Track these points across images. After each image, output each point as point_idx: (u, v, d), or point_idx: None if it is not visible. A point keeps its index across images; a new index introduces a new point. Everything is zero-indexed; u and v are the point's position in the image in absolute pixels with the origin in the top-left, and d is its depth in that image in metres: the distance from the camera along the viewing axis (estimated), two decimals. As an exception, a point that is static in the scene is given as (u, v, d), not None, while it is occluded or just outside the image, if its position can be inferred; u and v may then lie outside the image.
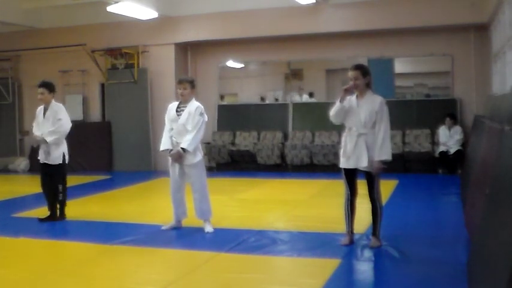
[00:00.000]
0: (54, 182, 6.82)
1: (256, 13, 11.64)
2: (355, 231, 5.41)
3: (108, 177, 11.59)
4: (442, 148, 10.66)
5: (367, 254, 5.02)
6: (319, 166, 11.33)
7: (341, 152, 5.34)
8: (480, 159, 5.89)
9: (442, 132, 10.76)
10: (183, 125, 5.99)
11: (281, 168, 11.70)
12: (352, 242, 5.33)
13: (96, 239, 5.81)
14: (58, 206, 6.87)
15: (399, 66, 11.97)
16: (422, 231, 6.06)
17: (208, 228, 6.06)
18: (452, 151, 10.54)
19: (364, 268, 4.81)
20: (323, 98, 12.38)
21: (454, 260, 4.74)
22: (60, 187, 6.85)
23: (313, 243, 5.43)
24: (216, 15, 11.90)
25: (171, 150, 6.04)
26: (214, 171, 11.40)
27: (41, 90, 6.84)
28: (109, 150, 12.69)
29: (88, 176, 11.27)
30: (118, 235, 5.96)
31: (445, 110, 11.02)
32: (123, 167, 12.42)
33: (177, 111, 6.08)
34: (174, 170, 6.12)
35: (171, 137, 6.06)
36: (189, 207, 6.24)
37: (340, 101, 5.21)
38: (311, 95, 12.75)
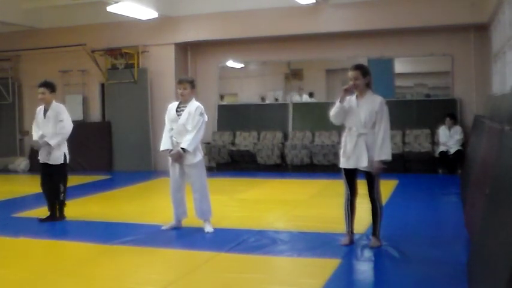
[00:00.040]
0: (55, 182, 6.82)
1: (256, 13, 11.64)
2: (355, 231, 5.41)
3: (108, 177, 11.59)
4: (442, 148, 10.66)
5: (367, 254, 5.02)
6: (319, 166, 11.33)
7: (341, 152, 5.34)
8: (480, 159, 5.89)
9: (442, 132, 10.76)
10: (183, 125, 5.99)
11: (281, 168, 11.70)
12: (352, 242, 5.33)
13: (96, 239, 5.81)
14: (58, 206, 6.87)
15: (399, 66, 11.97)
16: (422, 231, 6.06)
17: (208, 228, 6.06)
18: (452, 151, 10.54)
19: (364, 268, 4.81)
20: (323, 98, 12.38)
21: (454, 260, 4.74)
22: (62, 187, 6.85)
23: (313, 243, 5.43)
24: (216, 15, 11.90)
25: (171, 150, 6.04)
26: (214, 171, 11.40)
27: (42, 90, 6.83)
28: (109, 150, 12.69)
29: (88, 176, 11.27)
30: (118, 235, 5.96)
31: (445, 110, 11.02)
32: (123, 167, 12.42)
33: (177, 111, 6.08)
34: (174, 170, 6.12)
35: (171, 137, 6.06)
36: (189, 207, 6.24)
37: (340, 101, 5.21)
38: (311, 95, 12.75)
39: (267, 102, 12.98)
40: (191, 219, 6.22)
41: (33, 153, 7.30)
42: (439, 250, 5.17)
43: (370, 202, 5.25)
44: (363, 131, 5.17)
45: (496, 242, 3.18)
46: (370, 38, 11.57)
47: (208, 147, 11.81)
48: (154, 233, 6.08)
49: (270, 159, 11.72)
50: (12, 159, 13.12)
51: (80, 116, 12.71)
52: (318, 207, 7.55)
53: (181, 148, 5.94)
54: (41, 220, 6.78)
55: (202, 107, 6.12)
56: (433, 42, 11.26)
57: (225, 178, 10.60)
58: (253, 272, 4.63)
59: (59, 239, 6.00)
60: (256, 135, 12.36)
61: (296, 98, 12.73)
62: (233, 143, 12.38)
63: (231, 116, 12.79)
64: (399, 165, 10.40)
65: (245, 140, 12.34)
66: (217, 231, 6.02)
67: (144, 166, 12.25)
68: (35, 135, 6.93)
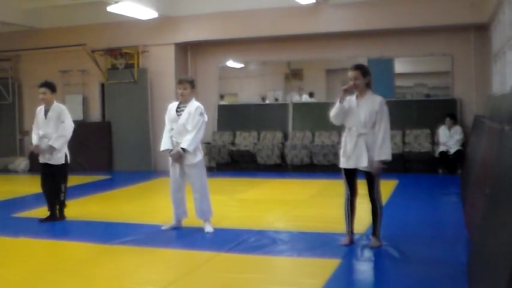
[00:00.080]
0: (56, 182, 6.82)
1: (256, 13, 11.64)
2: (355, 231, 5.40)
3: (108, 177, 11.59)
4: (442, 148, 10.66)
5: (367, 254, 5.01)
6: (319, 166, 11.33)
7: (341, 152, 5.34)
8: (480, 159, 5.89)
9: (442, 132, 10.76)
10: (183, 125, 5.99)
11: (281, 168, 11.70)
12: (352, 242, 5.33)
13: (96, 239, 5.81)
14: (58, 206, 6.87)
15: (399, 66, 11.97)
16: (422, 231, 6.06)
17: (208, 228, 6.06)
18: (452, 151, 10.54)
19: (364, 268, 4.81)
20: (323, 98, 12.39)
21: (454, 260, 4.74)
22: (63, 187, 6.86)
23: (313, 243, 5.43)
24: (216, 15, 11.90)
25: (171, 150, 6.04)
26: (214, 171, 11.40)
27: (43, 90, 6.83)
28: (109, 150, 12.70)
29: (88, 176, 11.26)
30: (118, 235, 5.96)
31: (445, 110, 11.02)
32: (123, 167, 12.42)
33: (177, 111, 6.08)
34: (174, 170, 6.12)
35: (171, 137, 6.06)
36: (189, 207, 6.24)
37: (339, 102, 5.21)
38: (311, 95, 12.75)
39: (267, 102, 12.98)
40: (191, 219, 6.22)
41: (33, 153, 7.27)
42: (439, 250, 5.17)
43: (370, 202, 5.25)
44: (363, 131, 5.17)
45: (496, 242, 3.18)
46: (370, 38, 11.57)
47: (208, 147, 11.81)
48: (154, 233, 6.08)
49: (270, 159, 11.72)
50: (12, 159, 13.12)
51: (80, 116, 12.71)
52: (318, 207, 7.55)
53: (182, 148, 5.93)
54: (41, 220, 6.78)
55: (202, 107, 6.11)
56: (433, 42, 11.27)
57: (225, 178, 10.60)
58: (253, 272, 4.63)
59: (59, 239, 6.00)
60: (256, 135, 12.36)
61: (296, 98, 12.73)
62: (233, 143, 12.38)
63: (231, 116, 12.80)
64: (399, 165, 10.40)
65: (245, 140, 12.35)
66: (217, 231, 6.02)
67: (144, 166, 12.25)
68: (35, 138, 6.90)
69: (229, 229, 6.14)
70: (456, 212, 6.78)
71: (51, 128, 6.78)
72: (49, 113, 6.84)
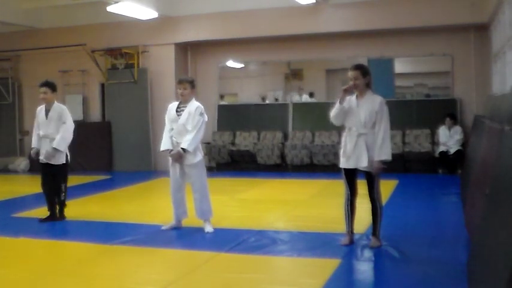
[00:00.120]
0: (57, 181, 6.82)
1: (256, 13, 11.64)
2: (355, 231, 5.41)
3: (108, 177, 11.59)
4: (442, 148, 10.66)
5: (367, 254, 5.02)
6: (319, 166, 11.33)
7: (341, 152, 5.34)
8: (480, 159, 5.89)
9: (442, 132, 10.76)
10: (183, 125, 5.99)
11: (281, 168, 11.70)
12: (352, 242, 5.33)
13: (96, 239, 5.81)
14: (58, 206, 6.87)
15: (399, 66, 11.97)
16: (422, 231, 6.06)
17: (208, 228, 6.06)
18: (452, 151, 10.54)
19: (364, 268, 4.81)
20: (323, 98, 12.39)
21: (454, 260, 4.74)
22: (63, 187, 6.86)
23: (313, 243, 5.43)
24: (216, 15, 11.90)
25: (172, 150, 6.04)
26: (214, 171, 11.40)
27: (43, 89, 6.83)
28: (109, 150, 12.69)
29: (88, 176, 11.27)
30: (118, 235, 5.96)
31: (445, 110, 11.02)
32: (123, 167, 12.42)
33: (177, 111, 6.08)
34: (174, 170, 6.12)
35: (171, 137, 6.06)
36: (190, 207, 6.24)
37: (339, 102, 5.21)
38: (311, 95, 12.75)
39: (267, 102, 12.98)
40: (191, 219, 6.22)
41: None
42: (439, 250, 5.17)
43: (370, 202, 5.25)
44: (363, 131, 5.17)
45: (496, 242, 3.18)
46: (370, 38, 11.57)
47: (208, 147, 11.81)
48: (154, 233, 6.08)
49: (270, 159, 11.72)
50: (12, 159, 13.12)
51: (80, 116, 12.71)
52: (318, 207, 7.55)
53: (182, 148, 5.94)
54: (41, 220, 6.79)
55: (202, 107, 6.12)
56: (433, 42, 11.27)
57: (225, 178, 10.60)
58: (253, 272, 4.63)
59: (59, 239, 6.00)
60: (256, 135, 12.36)
61: (296, 98, 12.73)
62: (233, 143, 12.38)
63: (231, 116, 12.80)
64: (399, 165, 10.40)
65: (245, 140, 12.35)
66: (217, 231, 6.02)
67: (144, 166, 12.25)
68: (35, 139, 6.89)
69: (229, 229, 6.14)
70: (456, 212, 6.79)
71: (52, 128, 6.78)
72: (50, 113, 6.84)
